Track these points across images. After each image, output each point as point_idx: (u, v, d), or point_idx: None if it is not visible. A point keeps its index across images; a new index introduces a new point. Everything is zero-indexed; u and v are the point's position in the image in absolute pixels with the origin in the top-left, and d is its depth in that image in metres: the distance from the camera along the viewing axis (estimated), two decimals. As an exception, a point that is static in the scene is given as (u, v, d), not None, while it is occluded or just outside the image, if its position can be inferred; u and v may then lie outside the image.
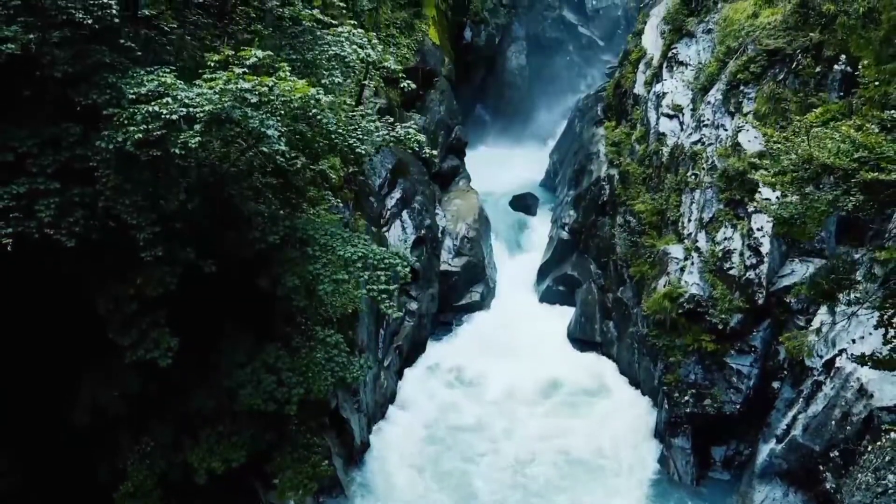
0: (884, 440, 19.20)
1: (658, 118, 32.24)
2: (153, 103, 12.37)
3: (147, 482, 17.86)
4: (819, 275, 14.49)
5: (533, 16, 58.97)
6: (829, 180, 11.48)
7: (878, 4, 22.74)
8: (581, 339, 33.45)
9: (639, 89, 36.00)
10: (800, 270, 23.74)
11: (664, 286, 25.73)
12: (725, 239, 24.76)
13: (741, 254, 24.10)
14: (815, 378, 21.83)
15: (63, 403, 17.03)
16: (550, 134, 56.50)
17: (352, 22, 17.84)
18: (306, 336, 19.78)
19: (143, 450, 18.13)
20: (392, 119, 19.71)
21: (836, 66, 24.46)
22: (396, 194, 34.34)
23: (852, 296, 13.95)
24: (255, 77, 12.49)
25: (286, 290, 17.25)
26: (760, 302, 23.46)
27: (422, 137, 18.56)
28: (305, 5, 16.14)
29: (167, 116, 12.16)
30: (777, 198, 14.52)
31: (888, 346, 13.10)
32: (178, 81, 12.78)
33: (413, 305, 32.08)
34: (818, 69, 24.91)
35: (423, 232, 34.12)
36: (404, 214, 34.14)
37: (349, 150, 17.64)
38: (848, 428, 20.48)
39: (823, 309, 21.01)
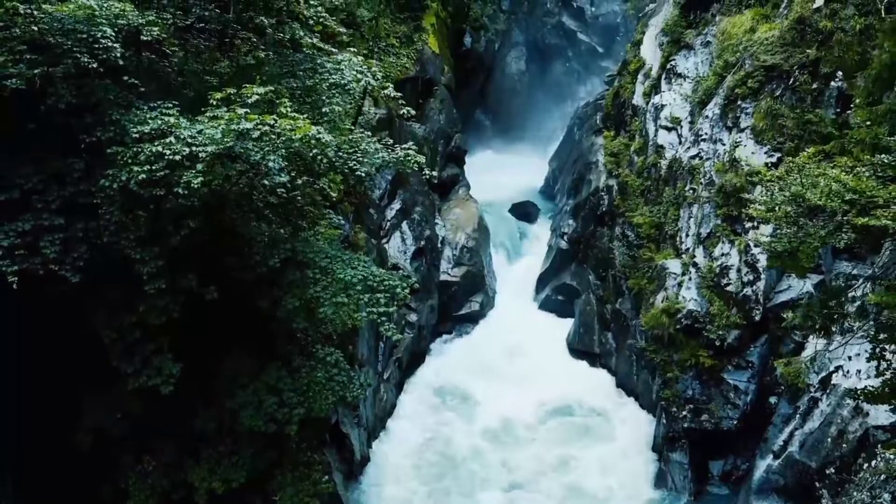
0: (879, 459, 19.38)
1: (657, 130, 32.41)
2: (157, 143, 12.54)
3: (149, 501, 18.07)
4: (812, 307, 14.66)
5: (532, 22, 59.18)
6: (821, 218, 11.63)
7: (874, 21, 23.03)
8: (580, 349, 33.62)
9: (637, 100, 36.17)
10: (796, 286, 23.93)
11: (662, 301, 25.91)
12: (723, 255, 24.93)
13: (738, 270, 24.26)
14: (812, 395, 22.02)
15: (65, 425, 17.18)
16: (550, 139, 56.68)
17: (351, 50, 18.01)
18: (307, 355, 19.97)
19: (145, 469, 18.31)
20: (391, 139, 19.77)
21: (832, 83, 24.58)
22: (396, 205, 34.48)
23: (846, 325, 14.13)
24: (256, 116, 12.64)
25: (287, 312, 17.43)
26: (757, 318, 23.63)
27: (421, 158, 18.70)
28: (306, 32, 16.28)
29: (170, 157, 12.34)
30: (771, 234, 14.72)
31: (880, 379, 13.27)
32: (182, 120, 12.94)
33: (413, 317, 32.24)
34: (815, 85, 25.03)
35: (422, 243, 34.27)
36: (404, 225, 34.28)
37: (349, 171, 17.83)
38: (844, 445, 20.67)
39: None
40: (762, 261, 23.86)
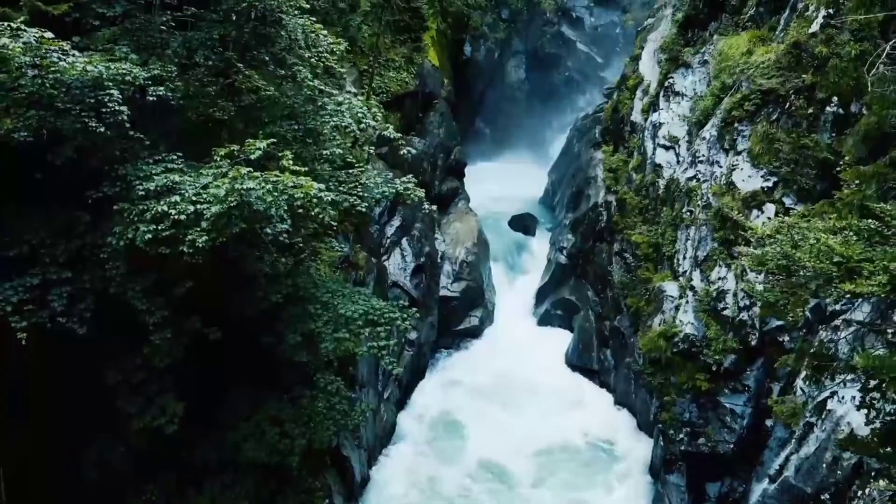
0: (872, 486, 19.63)
1: (655, 149, 32.64)
2: (163, 201, 12.80)
3: (152, 533, 18.34)
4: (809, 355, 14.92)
5: (532, 31, 59.41)
6: (812, 272, 11.88)
7: (869, 48, 23.22)
8: (578, 366, 33.87)
9: (636, 117, 36.42)
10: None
11: (659, 324, 26.16)
12: (720, 279, 25.15)
13: (735, 294, 24.47)
14: (808, 419, 22.25)
15: (69, 459, 17.43)
16: (549, 148, 56.95)
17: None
18: (308, 383, 20.26)
19: (149, 499, 18.58)
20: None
21: (828, 108, 24.78)
22: (396, 222, 34.69)
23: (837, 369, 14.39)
24: (259, 174, 12.89)
25: (289, 347, 17.70)
26: (753, 343, 23.83)
27: (421, 193, 18.96)
28: (307, 72, 16.50)
29: (176, 216, 12.60)
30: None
31: (870, 428, 13.53)
32: (186, 177, 13.18)
33: (413, 335, 32.42)
34: (811, 110, 25.22)
35: (422, 259, 34.50)
36: (404, 242, 34.51)
37: (350, 206, 18.11)
38: (839, 472, 20.87)
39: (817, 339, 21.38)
40: (759, 286, 24.06)
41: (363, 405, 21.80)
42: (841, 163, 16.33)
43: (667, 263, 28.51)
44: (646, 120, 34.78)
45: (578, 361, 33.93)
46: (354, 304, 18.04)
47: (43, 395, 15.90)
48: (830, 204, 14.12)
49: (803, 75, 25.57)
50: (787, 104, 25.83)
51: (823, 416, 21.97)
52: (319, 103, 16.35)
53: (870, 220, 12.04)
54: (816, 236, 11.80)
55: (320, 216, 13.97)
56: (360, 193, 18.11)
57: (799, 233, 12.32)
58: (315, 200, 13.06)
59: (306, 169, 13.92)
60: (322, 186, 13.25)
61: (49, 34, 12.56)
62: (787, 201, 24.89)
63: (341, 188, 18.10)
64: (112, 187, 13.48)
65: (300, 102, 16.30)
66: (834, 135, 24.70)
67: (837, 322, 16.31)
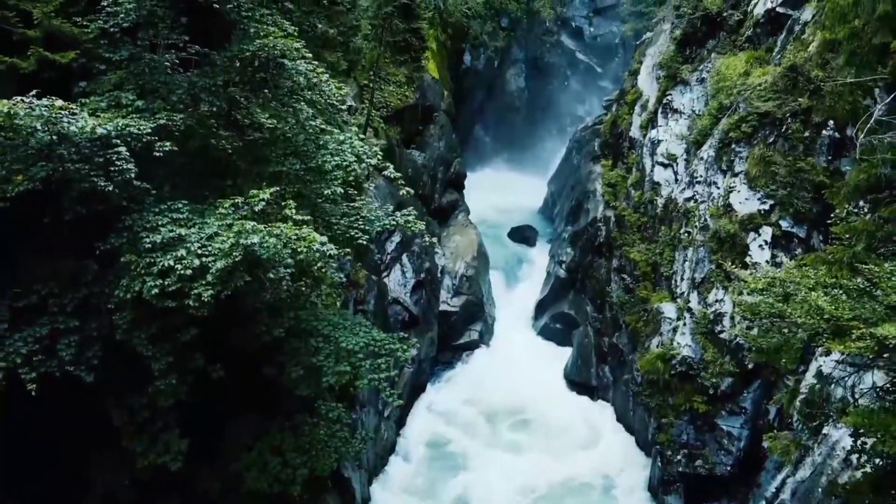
0: (867, 513, 19.87)
1: (653, 166, 32.87)
2: (169, 255, 13.03)
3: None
4: (800, 401, 15.16)
5: (532, 39, 59.70)
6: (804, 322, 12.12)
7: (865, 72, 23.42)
8: (577, 381, 34.11)
9: (635, 132, 36.64)
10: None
11: (657, 346, 26.42)
12: (717, 301, 25.40)
13: (732, 318, 24.70)
14: (804, 443, 22.50)
15: (74, 491, 17.66)
16: (548, 157, 57.23)
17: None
18: (309, 410, 20.48)
19: (152, 528, 18.82)
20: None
21: (824, 132, 25.02)
22: (396, 238, 34.86)
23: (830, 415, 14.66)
24: (263, 227, 13.12)
25: (290, 380, 17.92)
26: (750, 367, 24.09)
27: (421, 225, 19.16)
28: (310, 112, 16.74)
29: (182, 272, 12.85)
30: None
31: (861, 472, 13.76)
32: (192, 229, 13.40)
33: (413, 351, 32.58)
34: (807, 133, 25.45)
35: (422, 275, 34.73)
36: (404, 258, 34.73)
37: (350, 239, 18.36)
38: (834, 497, 21.12)
39: (810, 374, 21.64)
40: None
41: (364, 433, 22.03)
42: (832, 215, 16.55)
43: (665, 284, 28.76)
44: (644, 136, 35.01)
45: (577, 377, 34.17)
46: (355, 336, 18.22)
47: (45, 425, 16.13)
48: (822, 260, 14.35)
49: (799, 99, 25.78)
50: (784, 127, 26.07)
51: (819, 441, 22.24)
52: (321, 142, 16.57)
53: (859, 280, 12.29)
54: (806, 295, 12.05)
55: (323, 270, 14.20)
56: (362, 227, 18.33)
57: (790, 285, 12.56)
58: (318, 255, 13.29)
59: (309, 217, 14.16)
60: (324, 239, 13.45)
61: (59, 101, 12.80)
62: (784, 224, 25.18)
63: (343, 221, 18.35)
64: (119, 238, 13.71)
65: (302, 140, 16.53)
66: (830, 158, 25.00)
67: (830, 364, 16.53)
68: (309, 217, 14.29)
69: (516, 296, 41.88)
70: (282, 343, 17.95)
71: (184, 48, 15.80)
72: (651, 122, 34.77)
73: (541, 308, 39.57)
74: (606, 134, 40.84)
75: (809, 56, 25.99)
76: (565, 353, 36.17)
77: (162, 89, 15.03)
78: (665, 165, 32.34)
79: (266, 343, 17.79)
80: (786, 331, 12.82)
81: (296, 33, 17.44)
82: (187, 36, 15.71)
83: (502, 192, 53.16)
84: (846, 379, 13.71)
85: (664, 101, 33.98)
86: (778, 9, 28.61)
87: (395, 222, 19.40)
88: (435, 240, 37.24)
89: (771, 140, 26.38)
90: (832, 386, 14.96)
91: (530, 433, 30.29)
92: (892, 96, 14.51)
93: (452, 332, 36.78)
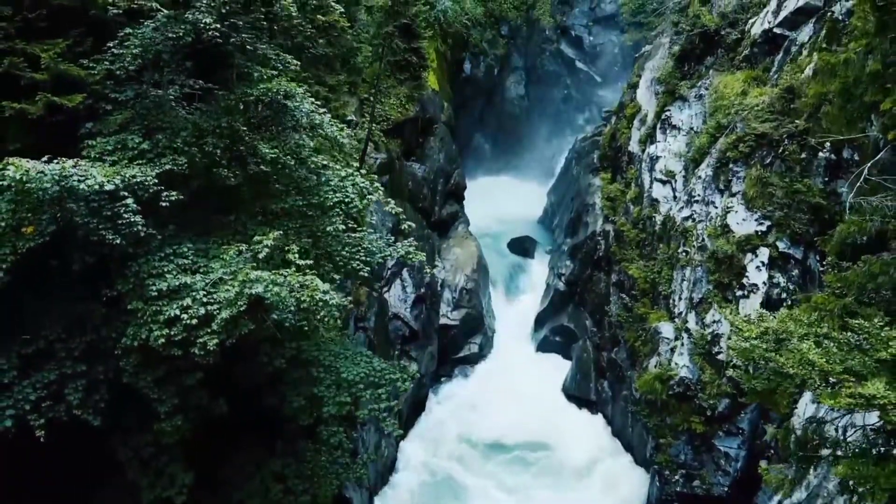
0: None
1: (652, 182, 33.09)
2: (175, 305, 13.28)
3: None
4: (793, 442, 15.41)
5: (531, 47, 59.86)
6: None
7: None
8: (576, 395, 34.33)
9: (633, 147, 36.87)
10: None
11: (655, 367, 26.66)
12: (714, 322, 25.63)
13: (729, 339, 24.92)
14: (801, 464, 22.72)
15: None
16: (548, 164, 57.34)
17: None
18: (310, 437, 20.71)
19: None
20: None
21: (820, 154, 25.25)
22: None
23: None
24: (267, 276, 13.35)
25: (292, 410, 18.17)
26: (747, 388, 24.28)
27: (422, 256, 19.38)
28: (311, 150, 16.99)
29: (187, 322, 13.10)
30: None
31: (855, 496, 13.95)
32: (197, 276, 13.63)
33: (413, 367, 32.80)
34: (803, 155, 25.68)
35: (422, 290, 34.93)
36: (404, 273, 34.92)
37: (353, 271, 18.62)
38: (830, 521, 21.38)
39: (804, 408, 21.90)
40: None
41: (365, 455, 22.27)
42: (824, 262, 16.79)
43: (663, 303, 29.00)
44: (643, 151, 35.23)
45: (577, 391, 34.40)
46: (356, 366, 18.49)
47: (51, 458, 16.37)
48: (814, 308, 14.57)
49: (796, 120, 26.02)
50: (781, 148, 26.28)
51: (815, 463, 22.46)
52: (323, 178, 16.81)
53: (849, 334, 12.53)
54: (797, 345, 12.29)
55: (326, 319, 14.46)
56: (363, 258, 18.58)
57: (783, 334, 12.80)
58: (321, 304, 13.52)
59: (311, 262, 14.38)
60: (327, 287, 13.67)
61: (70, 162, 13.00)
62: (781, 245, 25.41)
63: (344, 251, 18.58)
64: (125, 284, 13.96)
65: (304, 175, 16.76)
66: (826, 179, 25.24)
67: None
68: (312, 261, 14.49)
69: (516, 308, 42.07)
70: (283, 373, 18.20)
71: (189, 87, 16.02)
72: (650, 138, 34.99)
73: (540, 321, 39.79)
74: (605, 147, 41.07)
75: (806, 78, 26.23)
76: (564, 366, 36.40)
77: (167, 130, 15.25)
78: (663, 182, 32.55)
79: (268, 373, 18.05)
80: (779, 379, 13.03)
81: (296, 60, 17.72)
82: (193, 79, 15.92)
83: (502, 199, 53.20)
84: (837, 420, 13.95)
85: (663, 116, 34.19)
86: (775, 29, 28.81)
87: (397, 253, 19.72)
88: (436, 270, 37.64)
89: (768, 161, 26.60)
90: (825, 426, 15.19)
91: (529, 453, 30.44)
92: (881, 152, 14.72)
93: (452, 345, 37.00)
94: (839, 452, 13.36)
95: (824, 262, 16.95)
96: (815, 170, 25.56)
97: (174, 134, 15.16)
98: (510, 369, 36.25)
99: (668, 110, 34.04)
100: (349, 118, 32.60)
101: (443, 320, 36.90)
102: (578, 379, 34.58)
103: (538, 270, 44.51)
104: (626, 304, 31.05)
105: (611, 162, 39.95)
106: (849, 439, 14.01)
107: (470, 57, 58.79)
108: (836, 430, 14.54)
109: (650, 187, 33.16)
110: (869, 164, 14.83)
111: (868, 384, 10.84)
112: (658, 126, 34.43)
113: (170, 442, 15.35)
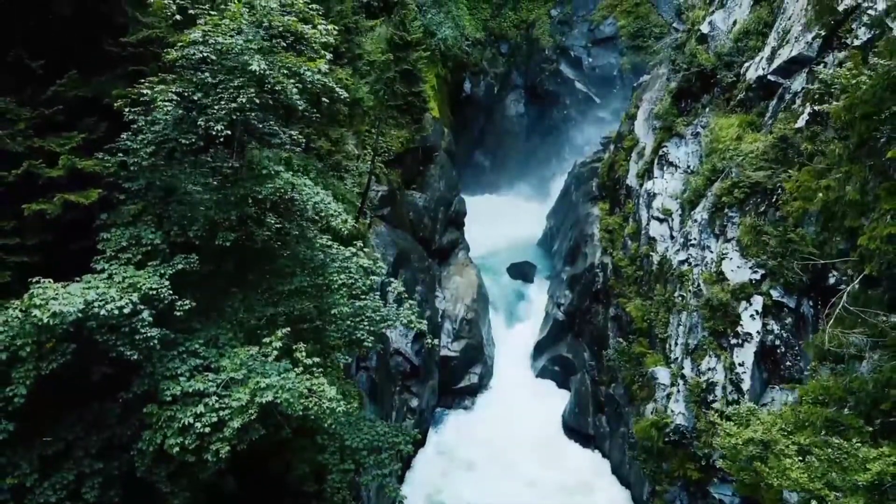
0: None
1: (649, 220, 33.58)
2: (189, 413, 13.81)
3: None
4: None
5: (531, 67, 60.33)
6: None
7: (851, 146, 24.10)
8: (575, 429, 34.89)
9: (631, 180, 37.36)
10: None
11: (651, 413, 27.19)
12: (709, 369, 26.13)
13: (724, 387, 25.47)
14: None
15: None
16: (547, 182, 57.84)
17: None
18: (315, 496, 21.25)
19: None
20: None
21: (811, 208, 25.68)
22: (398, 287, 35.46)
23: None
24: (277, 381, 13.90)
25: (297, 476, 18.73)
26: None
27: (423, 325, 19.94)
28: (316, 232, 17.53)
29: (200, 430, 13.63)
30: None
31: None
32: (209, 383, 14.15)
33: (414, 402, 33.51)
34: (796, 205, 26.12)
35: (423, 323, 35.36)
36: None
37: (356, 341, 19.21)
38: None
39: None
40: (746, 381, 25.11)
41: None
42: (807, 369, 17.29)
43: (659, 346, 29.50)
44: (640, 186, 35.72)
45: (575, 425, 34.96)
46: (360, 433, 19.03)
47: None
48: (794, 414, 15.05)
49: (789, 170, 26.46)
50: (774, 197, 26.75)
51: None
52: (329, 258, 17.37)
53: (829, 450, 13.03)
54: (780, 462, 12.81)
55: (332, 428, 15.02)
56: (367, 328, 19.16)
57: (770, 441, 13.31)
58: (328, 411, 14.06)
59: (319, 359, 14.91)
60: (334, 393, 14.19)
61: (92, 295, 13.43)
62: (775, 294, 25.85)
63: (348, 322, 19.14)
64: (140, 385, 14.50)
65: (310, 255, 17.30)
66: (819, 230, 25.68)
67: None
68: (319, 359, 15.02)
69: (516, 335, 42.62)
70: (289, 441, 18.74)
71: (195, 153, 16.52)
72: (647, 173, 35.47)
73: (539, 349, 40.35)
74: (604, 177, 41.58)
75: (799, 127, 26.67)
76: (563, 395, 36.98)
77: (181, 222, 15.75)
78: (660, 220, 33.03)
79: (274, 441, 18.58)
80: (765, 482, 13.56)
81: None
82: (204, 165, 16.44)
83: (502, 218, 53.71)
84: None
85: (660, 152, 34.65)
86: (769, 76, 29.20)
87: (399, 320, 20.30)
88: (437, 301, 38.15)
89: (762, 209, 27.05)
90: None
91: (528, 490, 30.93)
92: (859, 278, 15.21)
93: (453, 376, 37.56)
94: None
95: (807, 369, 17.43)
96: (807, 219, 26.02)
97: (187, 226, 15.66)
98: (510, 402, 36.87)
99: (666, 146, 34.50)
100: (350, 149, 33.16)
101: (443, 352, 37.50)
102: (577, 413, 35.13)
103: (537, 297, 45.04)
104: (623, 349, 31.42)
105: (609, 192, 40.45)
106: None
107: (470, 76, 59.40)
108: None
109: (647, 224, 33.66)
110: (847, 289, 15.30)
111: (850, 500, 11.35)
112: (655, 162, 34.90)
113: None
